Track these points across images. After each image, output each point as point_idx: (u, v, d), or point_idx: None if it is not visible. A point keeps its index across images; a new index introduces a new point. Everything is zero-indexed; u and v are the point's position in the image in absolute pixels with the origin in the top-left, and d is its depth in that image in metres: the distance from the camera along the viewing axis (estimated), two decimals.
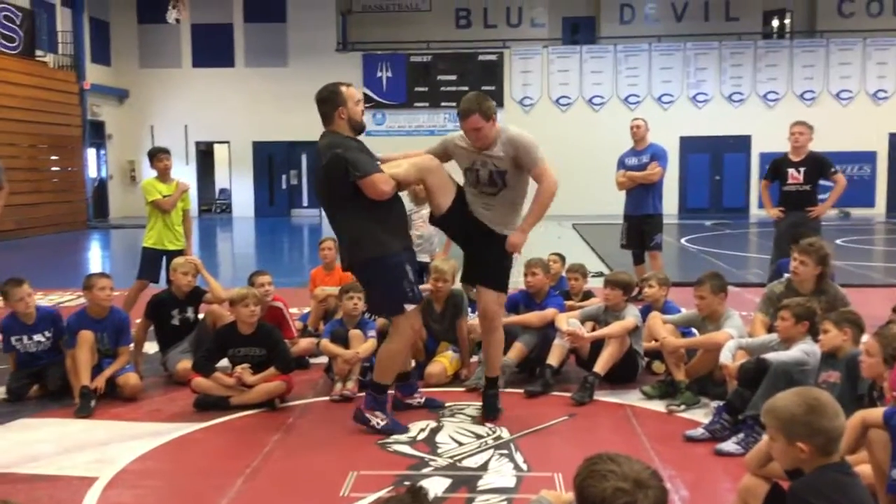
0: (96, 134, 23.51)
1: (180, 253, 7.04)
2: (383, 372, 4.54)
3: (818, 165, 7.66)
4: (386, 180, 4.32)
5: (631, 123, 8.79)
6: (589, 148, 23.39)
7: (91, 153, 22.86)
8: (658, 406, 4.99)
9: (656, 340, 5.22)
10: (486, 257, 4.68)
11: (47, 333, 5.42)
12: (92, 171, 22.89)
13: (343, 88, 4.43)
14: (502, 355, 5.02)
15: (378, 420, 4.45)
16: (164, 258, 7.11)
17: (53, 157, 20.45)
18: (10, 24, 18.80)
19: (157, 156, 7.28)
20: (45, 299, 8.45)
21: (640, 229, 8.58)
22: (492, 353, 4.82)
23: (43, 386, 5.32)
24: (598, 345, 5.33)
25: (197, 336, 5.84)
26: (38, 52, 20.18)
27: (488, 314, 4.68)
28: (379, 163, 4.45)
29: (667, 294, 5.89)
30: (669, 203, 15.97)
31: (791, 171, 7.64)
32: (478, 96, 4.53)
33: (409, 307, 4.44)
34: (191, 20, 24.21)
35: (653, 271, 6.01)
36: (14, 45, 18.98)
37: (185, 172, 25.77)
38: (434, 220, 4.83)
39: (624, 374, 5.38)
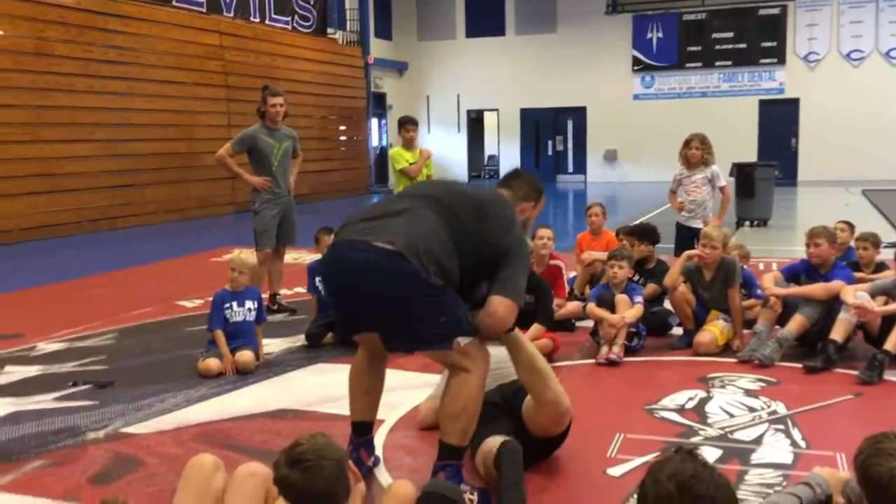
0: (378, 105, 25.16)
1: None
2: (465, 429, 3.11)
3: None
4: None
5: None
6: (884, 105, 21.30)
7: (374, 123, 24.52)
8: None
9: None
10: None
11: None
12: (374, 140, 24.56)
13: None
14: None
15: (468, 497, 3.01)
16: None
17: (342, 128, 22.18)
18: (305, 4, 20.60)
19: (406, 126, 7.57)
20: None
21: None
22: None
23: (336, 333, 5.87)
24: (890, 321, 4.89)
25: None
26: (329, 30, 21.91)
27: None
28: None
29: None
30: None
31: None
32: None
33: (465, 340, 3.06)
34: None
35: None
36: (308, 24, 20.78)
37: (456, 140, 26.92)
38: None
39: None
